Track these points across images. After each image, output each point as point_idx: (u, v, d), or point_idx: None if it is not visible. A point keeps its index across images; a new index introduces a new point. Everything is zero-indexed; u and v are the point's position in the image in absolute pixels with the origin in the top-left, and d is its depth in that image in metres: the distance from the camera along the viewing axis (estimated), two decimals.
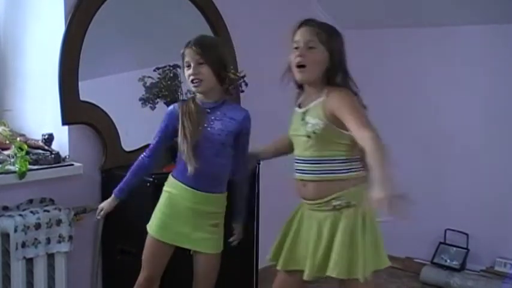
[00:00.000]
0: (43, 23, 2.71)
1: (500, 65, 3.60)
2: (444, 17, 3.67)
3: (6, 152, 2.52)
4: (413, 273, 3.77)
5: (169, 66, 2.91)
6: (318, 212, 2.11)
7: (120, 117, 2.77)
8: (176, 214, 2.28)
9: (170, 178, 2.33)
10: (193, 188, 2.25)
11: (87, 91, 2.66)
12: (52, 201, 2.58)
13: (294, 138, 2.18)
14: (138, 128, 2.82)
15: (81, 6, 2.63)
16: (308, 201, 2.14)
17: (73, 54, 2.61)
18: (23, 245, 2.34)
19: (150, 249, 2.33)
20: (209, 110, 2.26)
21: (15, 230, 2.31)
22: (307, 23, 2.13)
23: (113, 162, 2.74)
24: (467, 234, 3.73)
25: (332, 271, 2.02)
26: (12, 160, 2.44)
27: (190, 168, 2.20)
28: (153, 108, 2.73)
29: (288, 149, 2.26)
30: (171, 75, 2.93)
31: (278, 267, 2.20)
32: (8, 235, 2.32)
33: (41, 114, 2.73)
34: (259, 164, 2.81)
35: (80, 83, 2.63)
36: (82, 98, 2.65)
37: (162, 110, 2.53)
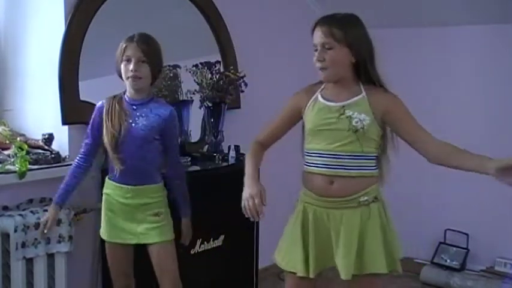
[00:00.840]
0: (43, 23, 2.71)
1: (500, 65, 3.61)
2: (444, 17, 3.67)
3: (6, 152, 2.52)
4: (414, 273, 3.76)
5: (169, 66, 2.92)
6: (343, 209, 2.06)
7: None
8: (116, 212, 2.32)
9: (106, 180, 2.37)
10: (123, 184, 2.29)
11: (87, 91, 2.66)
12: (52, 201, 2.57)
13: (323, 132, 2.08)
14: None
15: (81, 6, 2.63)
16: (331, 198, 2.07)
17: (73, 54, 2.61)
18: (23, 245, 2.34)
19: (109, 256, 2.39)
20: (135, 107, 2.30)
21: (15, 230, 2.30)
22: (320, 23, 2.07)
23: None
24: (467, 234, 3.73)
25: (372, 267, 2.03)
26: (12, 160, 2.44)
27: (116, 166, 2.25)
28: None
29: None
30: (171, 75, 2.93)
31: (311, 276, 2.08)
32: (8, 235, 2.32)
33: (41, 114, 2.73)
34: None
35: (80, 83, 2.64)
36: (82, 98, 2.65)
37: None
